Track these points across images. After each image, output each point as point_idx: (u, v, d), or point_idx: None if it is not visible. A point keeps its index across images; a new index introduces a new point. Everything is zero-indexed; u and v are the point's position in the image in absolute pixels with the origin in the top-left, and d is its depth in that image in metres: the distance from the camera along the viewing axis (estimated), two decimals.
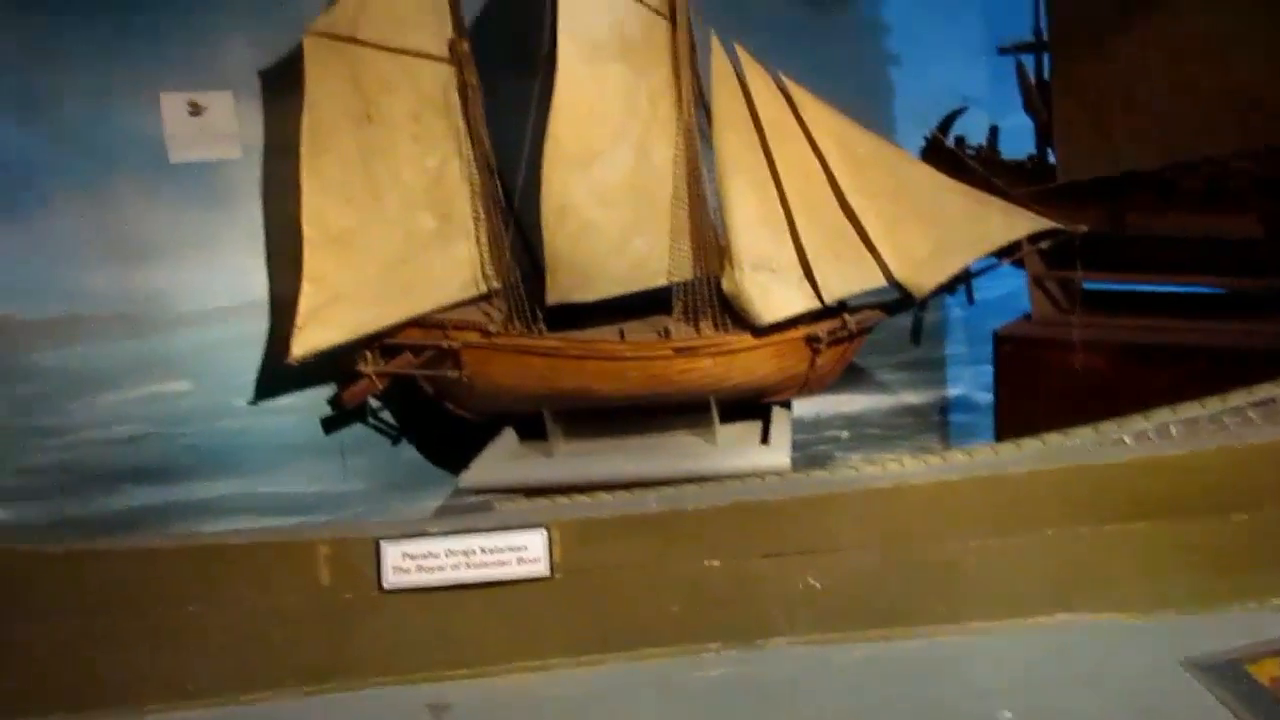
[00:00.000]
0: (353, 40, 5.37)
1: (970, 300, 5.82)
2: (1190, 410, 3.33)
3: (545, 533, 3.02)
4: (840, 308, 5.63)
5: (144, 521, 5.80)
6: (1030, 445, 3.31)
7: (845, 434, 7.16)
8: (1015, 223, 5.49)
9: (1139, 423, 3.32)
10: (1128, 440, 3.28)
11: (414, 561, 2.99)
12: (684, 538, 3.04)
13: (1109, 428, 3.34)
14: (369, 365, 5.64)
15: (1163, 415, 3.32)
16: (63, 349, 5.59)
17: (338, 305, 5.41)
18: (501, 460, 5.77)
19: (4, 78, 5.41)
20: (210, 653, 2.95)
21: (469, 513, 3.22)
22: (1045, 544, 2.99)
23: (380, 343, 5.65)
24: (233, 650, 2.96)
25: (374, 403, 6.25)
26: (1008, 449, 3.32)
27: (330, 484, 6.26)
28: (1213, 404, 3.32)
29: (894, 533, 3.05)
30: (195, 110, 5.71)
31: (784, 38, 6.65)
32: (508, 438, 6.01)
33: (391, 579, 2.98)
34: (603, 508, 3.19)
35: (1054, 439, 3.33)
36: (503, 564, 3.01)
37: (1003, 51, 6.58)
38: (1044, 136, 6.50)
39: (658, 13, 5.51)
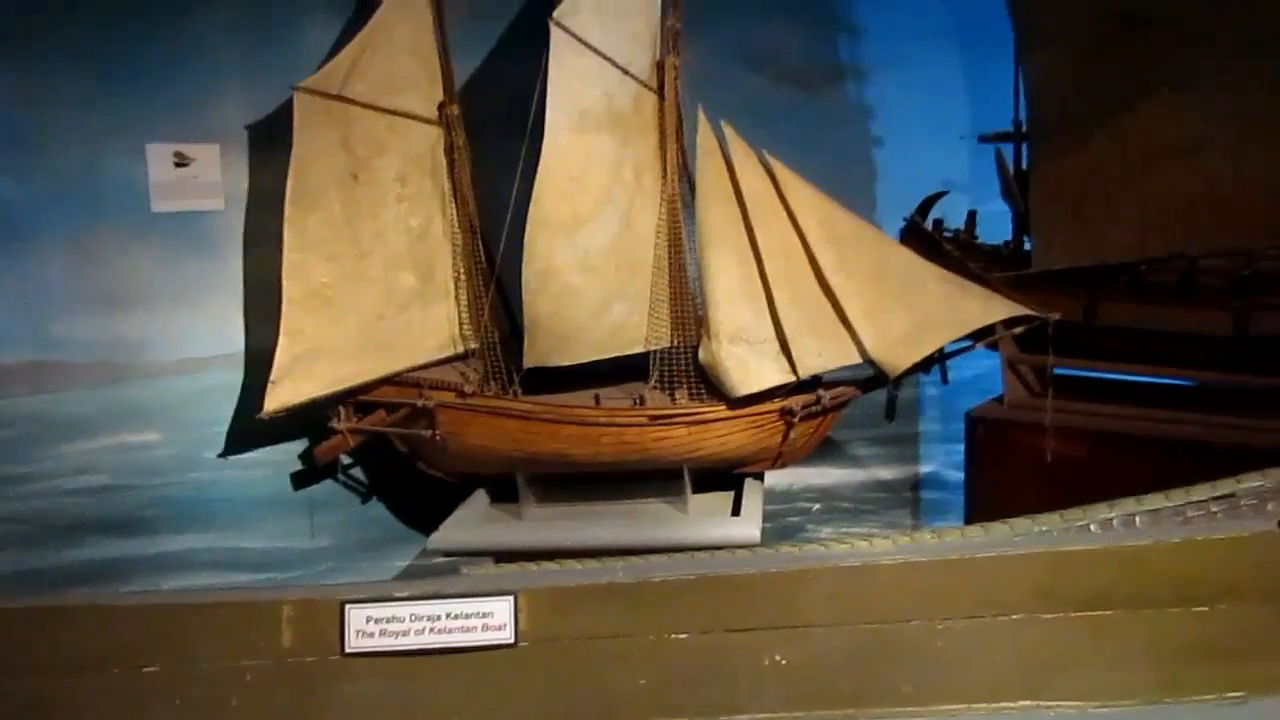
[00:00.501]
0: (343, 99, 5.42)
1: (944, 380, 5.84)
2: (1155, 502, 3.37)
3: (512, 600, 3.01)
4: (816, 383, 5.65)
5: (107, 575, 5.73)
6: (998, 530, 3.34)
7: (817, 506, 7.18)
8: (991, 307, 5.54)
9: (1105, 512, 3.36)
10: (1094, 529, 3.31)
11: (378, 625, 2.97)
12: (652, 610, 3.04)
13: (1075, 515, 3.38)
14: (343, 422, 5.62)
15: (1128, 506, 3.36)
16: (34, 396, 5.56)
17: (314, 360, 5.41)
18: (472, 522, 5.74)
19: None
20: (169, 716, 2.91)
21: (436, 576, 3.21)
22: (1012, 629, 3.01)
23: (355, 399, 5.64)
24: (191, 713, 2.92)
25: (346, 459, 6.22)
26: (976, 532, 3.35)
27: (298, 540, 6.22)
28: (1177, 496, 3.37)
29: (862, 612, 3.06)
30: (182, 161, 5.75)
31: (770, 116, 6.78)
32: (479, 499, 5.98)
33: (355, 643, 2.96)
34: (570, 576, 3.19)
35: (1022, 524, 3.37)
36: (468, 630, 2.99)
37: (983, 140, 6.70)
38: (1021, 224, 6.61)
39: (647, 86, 5.61)
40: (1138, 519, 3.29)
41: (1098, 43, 6.10)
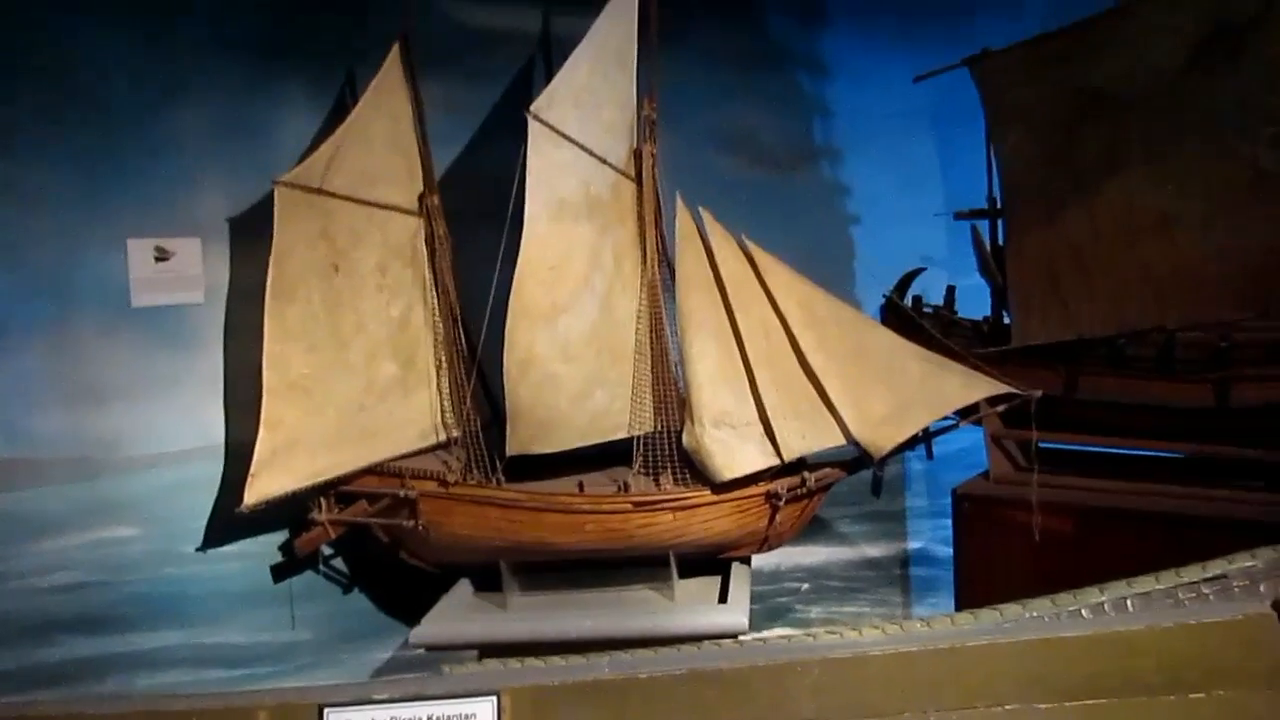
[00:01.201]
0: (323, 192, 5.48)
1: (929, 456, 5.87)
2: (1146, 584, 3.35)
3: (495, 700, 2.95)
4: (800, 465, 5.65)
5: (80, 675, 5.60)
6: (988, 616, 3.31)
7: (805, 585, 7.16)
8: (973, 386, 5.57)
9: (1096, 595, 3.33)
10: (1085, 614, 3.28)
11: None
12: (639, 707, 2.98)
13: (1066, 600, 3.34)
14: (323, 513, 5.58)
15: (1119, 589, 3.34)
16: (7, 493, 5.47)
17: (294, 452, 5.38)
18: (454, 615, 5.67)
19: None
20: None
21: (418, 671, 3.15)
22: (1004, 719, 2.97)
23: (336, 490, 5.61)
24: None
25: (327, 550, 6.16)
26: (965, 619, 3.31)
27: (277, 634, 6.11)
28: (1168, 579, 3.34)
29: (853, 705, 3.01)
30: (162, 255, 5.77)
31: (747, 198, 6.89)
32: (462, 589, 5.92)
33: None
34: (554, 673, 3.13)
35: (1012, 610, 3.33)
36: None
37: (959, 217, 6.77)
38: (999, 299, 6.68)
39: (624, 174, 5.70)
40: (1129, 602, 3.26)
41: (1067, 120, 6.19)
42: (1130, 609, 3.29)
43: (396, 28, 5.75)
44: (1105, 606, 3.30)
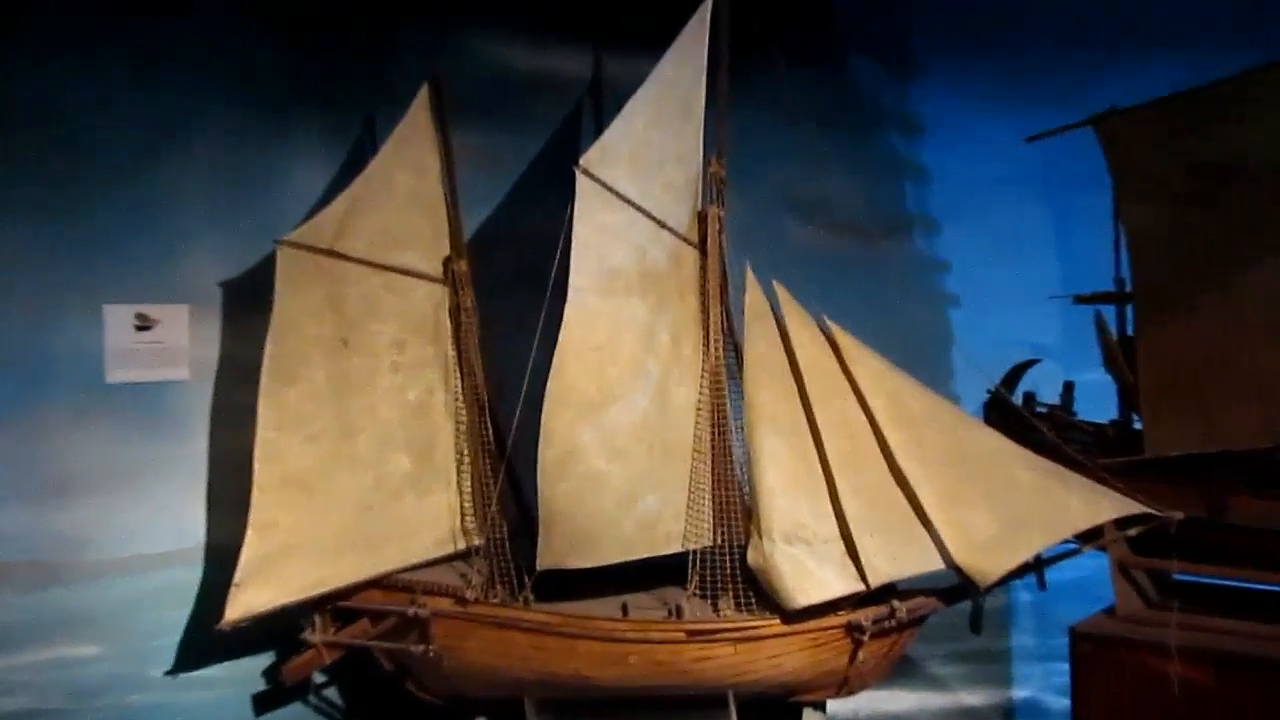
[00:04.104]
0: (334, 254, 5.51)
1: (1041, 585, 5.69)
2: None
3: None
4: (888, 592, 5.51)
5: None
6: None
7: None
8: (1098, 504, 5.43)
9: None
10: None
11: None
12: None
13: None
14: (318, 633, 5.54)
15: None
16: None
17: (287, 559, 5.36)
18: None
19: None
20: None
21: None
22: None
23: (334, 606, 5.58)
24: None
25: (319, 677, 6.11)
26: None
27: None
28: None
29: None
30: (144, 324, 5.80)
31: (826, 271, 6.90)
32: None
33: None
34: None
35: None
36: None
37: (1079, 301, 6.72)
38: (1128, 399, 6.60)
39: (686, 241, 5.67)
40: None
41: (1208, 192, 6.13)
42: None
43: (427, 69, 5.81)
44: None
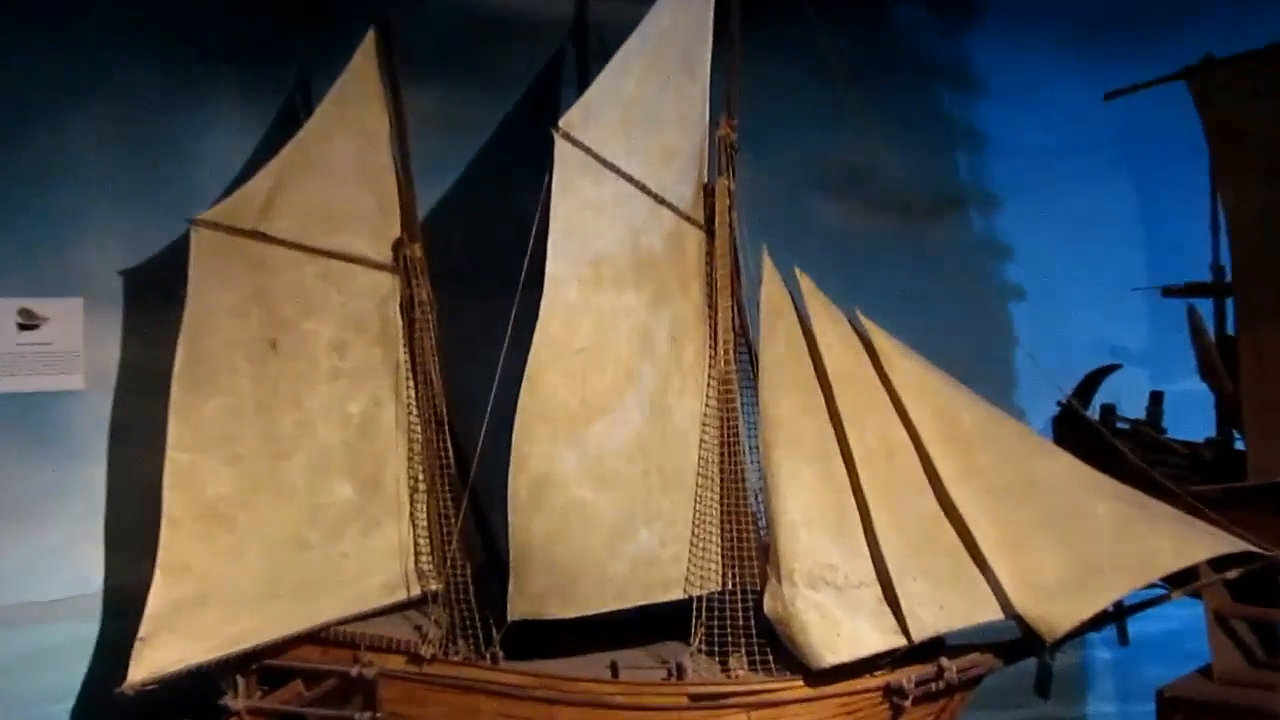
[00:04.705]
0: (260, 236, 5.47)
1: (1123, 640, 5.71)
2: None
3: None
4: (935, 648, 5.47)
5: None
6: None
7: None
8: (1190, 541, 5.38)
9: None
10: None
11: None
12: None
13: None
14: (241, 698, 5.52)
15: None
16: None
17: (203, 608, 5.32)
18: None
19: None
20: None
21: None
22: None
23: (260, 665, 5.56)
24: None
25: None
26: None
27: None
28: None
29: None
30: (28, 322, 5.79)
31: (861, 258, 6.87)
32: None
33: None
34: None
35: None
36: None
37: (1168, 294, 6.68)
38: (1228, 412, 6.59)
39: (689, 220, 5.64)
40: None
41: None
42: None
43: (374, 11, 5.75)
44: None
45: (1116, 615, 5.53)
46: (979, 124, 7.56)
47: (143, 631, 5.17)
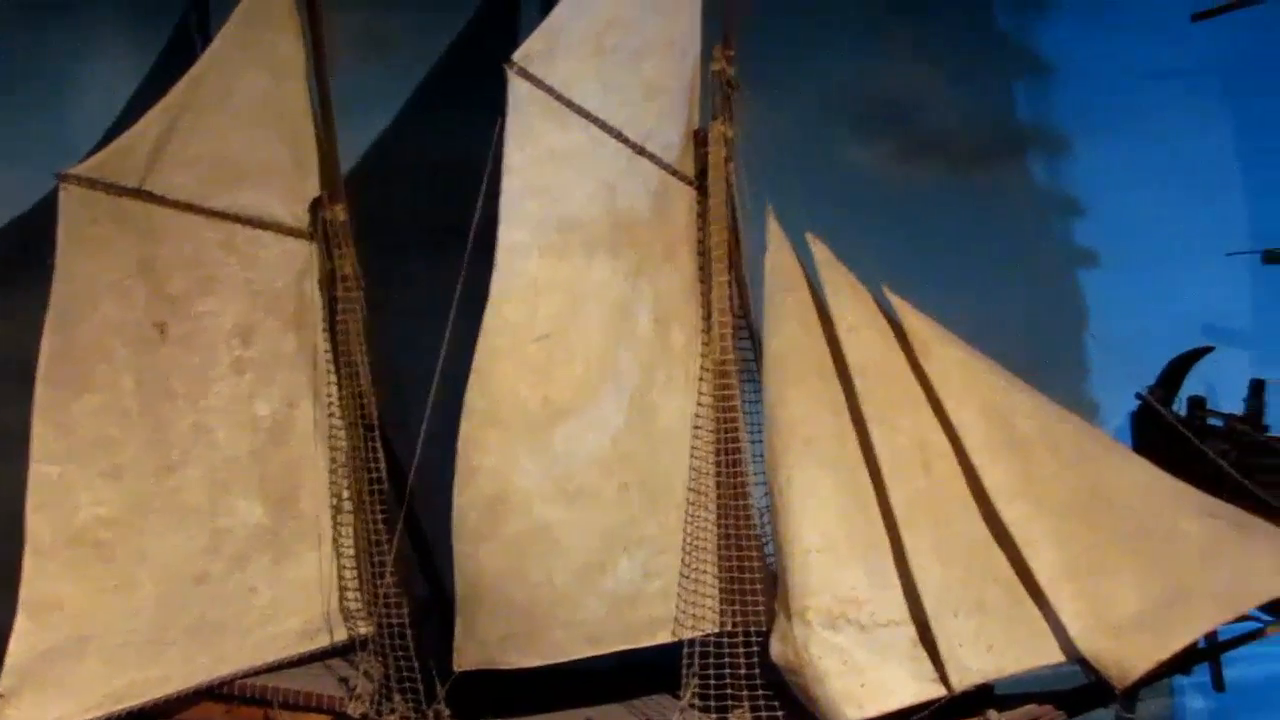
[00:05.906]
0: (145, 195, 5.47)
1: (1218, 686, 5.89)
2: None
3: None
4: (983, 699, 5.57)
5: None
6: None
7: None
8: None
9: None
10: None
11: None
12: None
13: None
14: None
15: None
16: None
17: (78, 657, 5.36)
18: None
19: None
20: None
21: None
22: None
23: None
24: None
25: None
26: None
27: None
28: None
29: None
30: None
31: (892, 217, 6.87)
32: None
33: None
34: None
35: None
36: None
37: (1270, 259, 6.72)
38: None
39: (677, 174, 5.66)
40: None
41: None
42: None
43: None
44: None
45: (1208, 653, 5.64)
46: (1042, 48, 7.55)
47: (3, 686, 5.22)
